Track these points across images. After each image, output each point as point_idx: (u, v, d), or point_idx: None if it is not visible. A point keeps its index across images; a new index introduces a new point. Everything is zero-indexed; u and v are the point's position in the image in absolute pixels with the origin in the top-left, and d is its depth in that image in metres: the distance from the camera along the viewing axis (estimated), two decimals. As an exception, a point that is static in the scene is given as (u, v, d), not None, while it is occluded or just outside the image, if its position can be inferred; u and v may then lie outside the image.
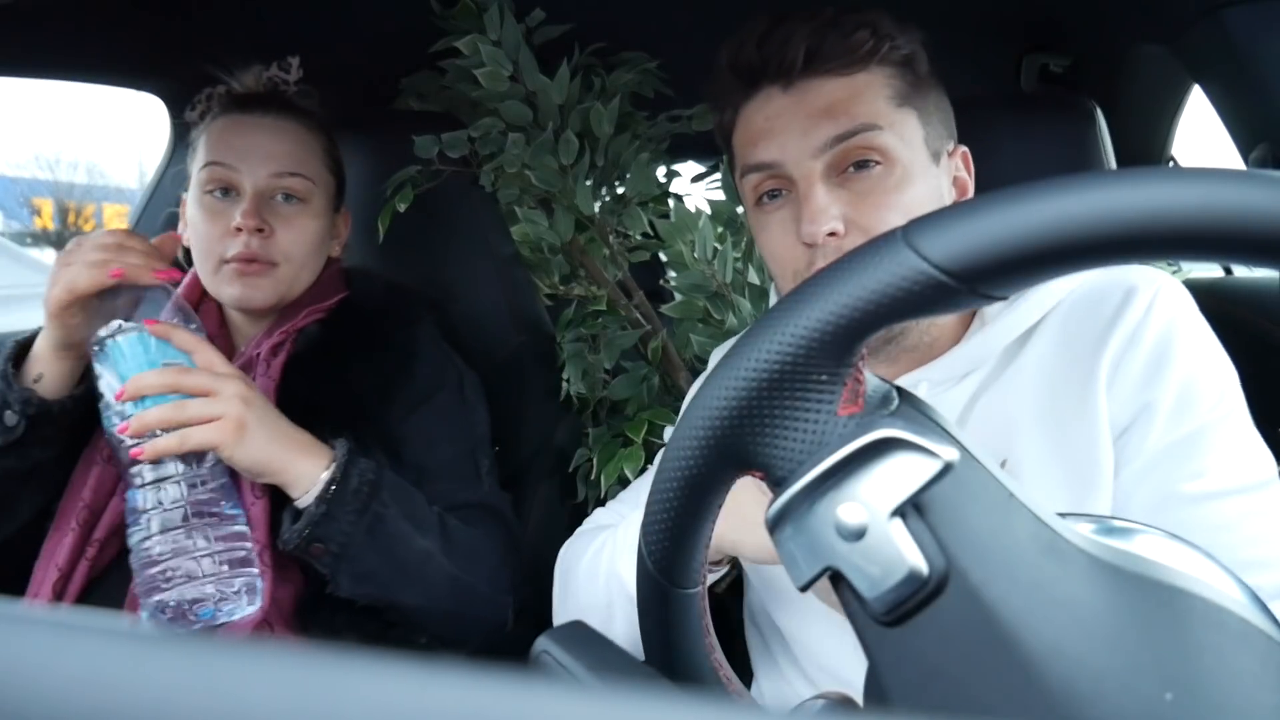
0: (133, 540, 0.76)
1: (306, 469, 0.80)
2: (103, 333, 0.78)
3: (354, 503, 0.80)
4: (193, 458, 0.78)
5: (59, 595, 0.85)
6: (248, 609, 0.77)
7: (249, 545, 0.80)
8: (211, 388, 0.77)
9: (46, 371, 0.85)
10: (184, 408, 0.76)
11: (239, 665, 0.18)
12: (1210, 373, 0.62)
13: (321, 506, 0.79)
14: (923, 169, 0.68)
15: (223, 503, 0.80)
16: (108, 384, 0.78)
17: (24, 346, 0.87)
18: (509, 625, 0.92)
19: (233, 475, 0.82)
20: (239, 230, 0.89)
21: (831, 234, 0.66)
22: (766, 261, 0.76)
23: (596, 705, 0.18)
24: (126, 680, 0.18)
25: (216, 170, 0.92)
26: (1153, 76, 1.22)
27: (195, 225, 0.93)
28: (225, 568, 0.76)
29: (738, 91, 0.72)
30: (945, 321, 0.71)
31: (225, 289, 0.92)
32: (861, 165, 0.67)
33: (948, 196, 0.71)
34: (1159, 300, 0.64)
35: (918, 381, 0.70)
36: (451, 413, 0.97)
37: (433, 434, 0.95)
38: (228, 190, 0.92)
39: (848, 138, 0.66)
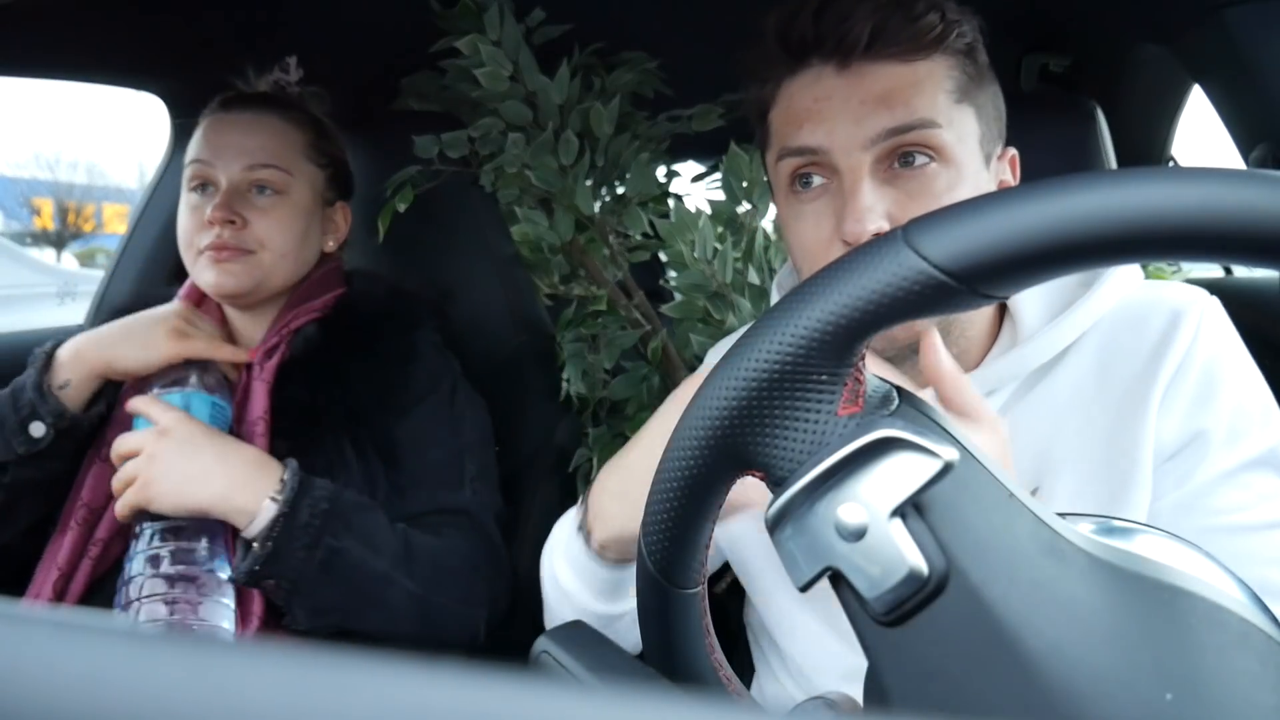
0: (119, 601, 0.79)
1: (244, 501, 0.79)
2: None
3: (303, 537, 0.78)
4: (156, 522, 0.81)
5: (60, 595, 0.85)
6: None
7: (229, 617, 0.80)
8: (134, 447, 0.81)
9: (74, 379, 0.88)
10: (119, 474, 0.81)
11: (239, 665, 0.18)
12: (1258, 399, 0.61)
13: (268, 544, 0.77)
14: (974, 172, 0.63)
15: (207, 570, 0.80)
16: None
17: (51, 354, 0.89)
18: (480, 638, 0.89)
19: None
20: (211, 223, 0.91)
21: (877, 233, 0.61)
22: (791, 253, 0.70)
23: (596, 705, 0.18)
24: (126, 680, 0.18)
25: (196, 167, 0.94)
26: (1153, 76, 1.22)
27: (179, 220, 0.96)
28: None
29: (782, 65, 0.66)
30: (974, 334, 0.68)
31: (203, 276, 0.93)
32: (911, 162, 0.62)
33: None
34: (1206, 323, 0.62)
35: None
36: (440, 417, 0.96)
37: (422, 438, 0.94)
38: (206, 185, 0.94)
39: (904, 131, 0.61)
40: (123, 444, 0.81)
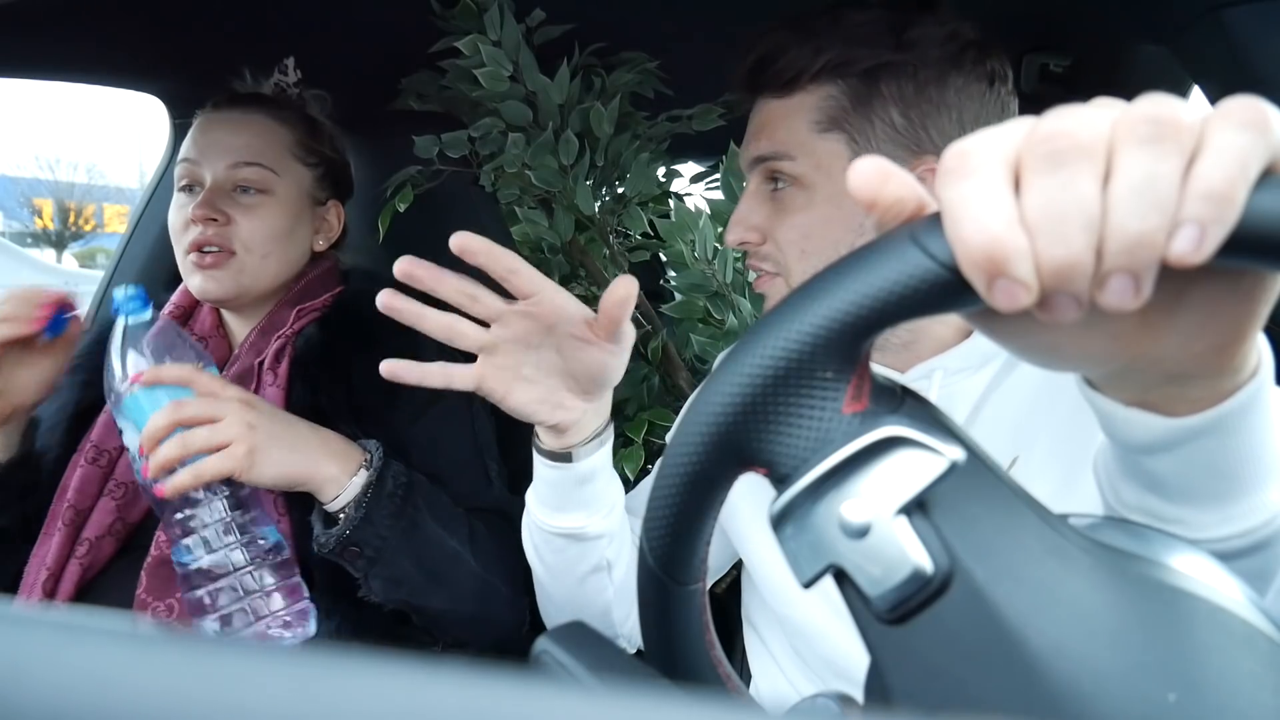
0: (180, 568, 0.77)
1: (333, 472, 0.79)
2: (118, 387, 0.79)
3: (390, 506, 0.80)
4: (219, 487, 0.78)
5: (50, 595, 0.85)
6: (300, 633, 0.78)
7: (296, 573, 0.80)
8: (212, 414, 0.75)
9: None
10: (188, 441, 0.74)
11: (239, 665, 0.18)
12: None
13: (360, 510, 0.79)
14: (838, 195, 0.68)
15: (262, 531, 0.80)
16: (129, 436, 0.79)
17: None
18: (526, 626, 0.91)
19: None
20: (194, 221, 0.91)
21: (745, 242, 0.73)
22: None
23: (596, 705, 0.18)
24: (126, 680, 0.18)
25: (184, 166, 0.95)
26: (1153, 76, 1.22)
27: (169, 220, 0.96)
28: (276, 599, 0.77)
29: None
30: (927, 320, 0.71)
31: (190, 280, 0.93)
32: (784, 184, 0.71)
33: None
34: None
35: (932, 370, 0.70)
36: (458, 416, 0.96)
37: (440, 438, 0.94)
38: (194, 185, 0.95)
39: (764, 160, 0.71)
40: (189, 412, 0.74)
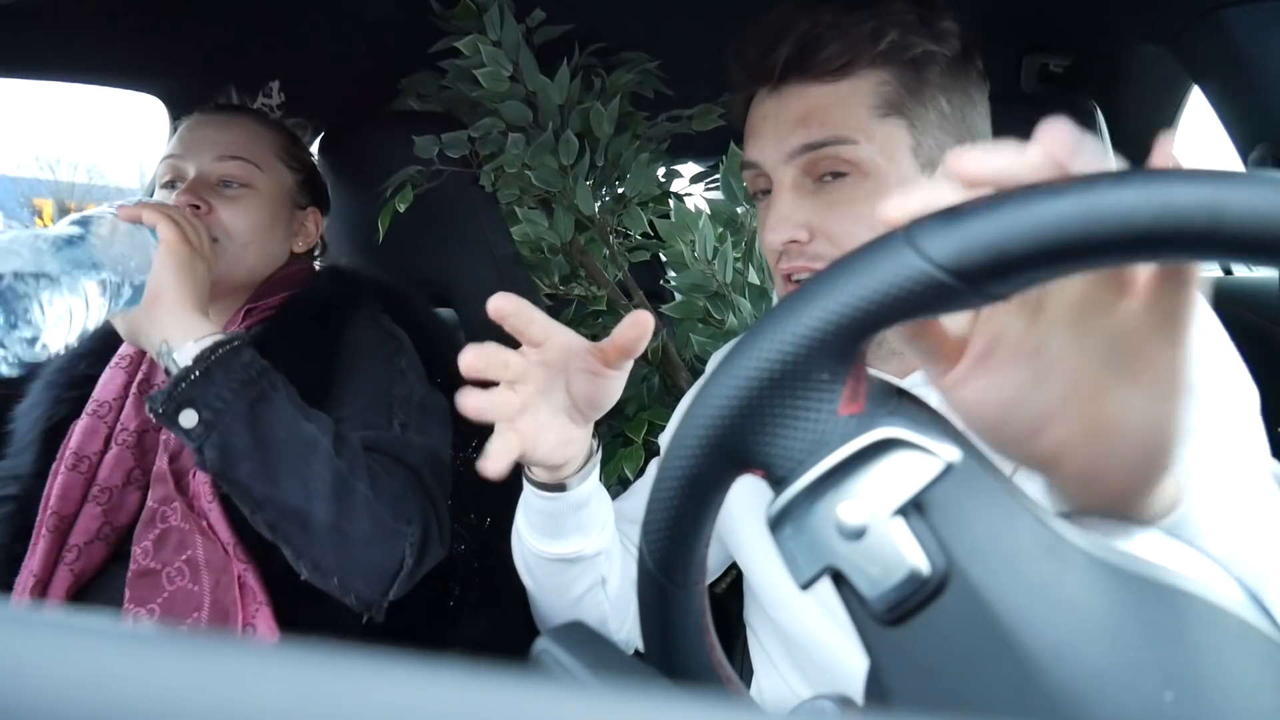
0: None
1: (194, 327, 0.77)
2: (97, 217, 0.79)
3: (240, 373, 0.76)
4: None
5: (40, 599, 0.85)
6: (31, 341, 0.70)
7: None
8: (201, 234, 0.83)
9: None
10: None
11: (239, 665, 0.18)
12: (1218, 374, 0.61)
13: (201, 364, 0.75)
14: (905, 179, 0.65)
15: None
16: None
17: None
18: (406, 564, 0.81)
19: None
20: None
21: (793, 241, 0.67)
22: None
23: (596, 705, 0.18)
24: (126, 680, 0.18)
25: (167, 163, 0.96)
26: (1153, 76, 1.22)
27: None
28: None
29: (741, 87, 0.73)
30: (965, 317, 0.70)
31: None
32: (834, 174, 0.66)
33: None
34: None
35: None
36: (373, 375, 0.92)
37: (350, 397, 0.90)
38: (176, 181, 0.95)
39: (817, 148, 0.66)
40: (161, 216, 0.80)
